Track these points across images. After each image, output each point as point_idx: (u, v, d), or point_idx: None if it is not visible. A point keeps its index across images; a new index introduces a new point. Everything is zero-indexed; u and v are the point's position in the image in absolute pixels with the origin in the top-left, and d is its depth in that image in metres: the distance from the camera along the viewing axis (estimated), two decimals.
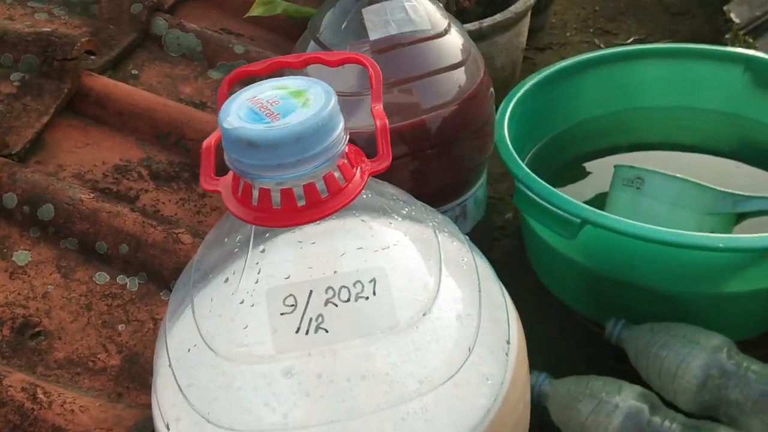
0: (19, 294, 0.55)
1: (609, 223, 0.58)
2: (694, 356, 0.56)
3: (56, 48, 0.68)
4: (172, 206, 0.63)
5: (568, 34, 1.21)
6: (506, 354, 0.36)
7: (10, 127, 0.64)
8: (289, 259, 0.34)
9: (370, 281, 0.33)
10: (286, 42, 0.86)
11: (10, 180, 0.59)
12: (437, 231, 0.38)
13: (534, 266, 0.74)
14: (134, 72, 0.77)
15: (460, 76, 0.57)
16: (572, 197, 0.62)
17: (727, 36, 1.04)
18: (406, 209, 0.38)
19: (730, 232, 0.67)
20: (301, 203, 0.32)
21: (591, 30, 1.21)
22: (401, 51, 0.55)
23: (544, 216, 0.62)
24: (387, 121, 0.36)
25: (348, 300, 0.33)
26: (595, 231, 0.60)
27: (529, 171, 0.65)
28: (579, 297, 0.70)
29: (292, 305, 0.33)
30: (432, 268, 0.36)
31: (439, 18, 0.57)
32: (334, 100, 0.32)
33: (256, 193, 0.32)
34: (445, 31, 0.56)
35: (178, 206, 0.63)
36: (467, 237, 0.41)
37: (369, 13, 0.54)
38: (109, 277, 0.57)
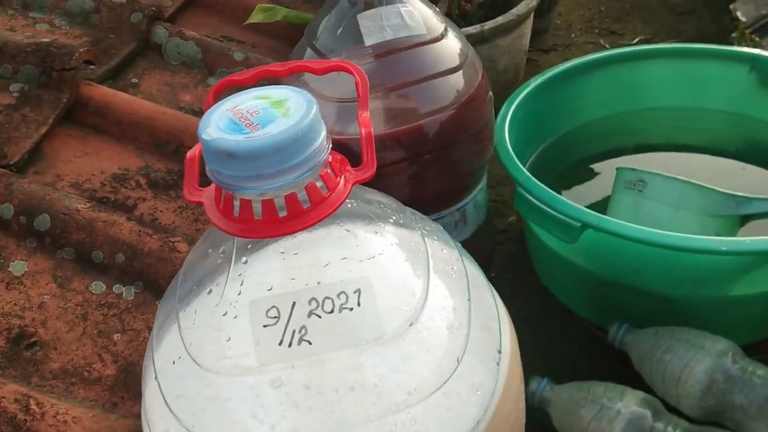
0: (15, 304, 0.55)
1: (609, 227, 0.58)
2: (699, 361, 0.56)
3: (55, 58, 0.68)
4: (170, 215, 0.63)
5: (573, 35, 1.20)
6: (497, 364, 0.36)
7: (9, 138, 0.64)
8: (272, 270, 0.33)
9: (355, 292, 0.33)
10: (288, 48, 0.86)
11: (6, 191, 0.59)
12: (426, 239, 0.37)
13: (537, 270, 0.73)
14: (134, 81, 0.77)
15: (457, 80, 0.56)
16: (577, 199, 0.61)
17: (733, 35, 1.03)
18: (394, 217, 0.38)
19: (734, 234, 0.66)
20: (283, 214, 0.32)
21: (596, 31, 1.20)
22: (398, 56, 0.54)
23: (544, 220, 0.62)
24: (372, 130, 0.35)
25: (332, 311, 0.32)
26: (597, 234, 0.59)
27: (529, 175, 0.64)
28: (582, 301, 0.69)
29: (275, 317, 0.32)
30: (420, 277, 0.35)
31: (435, 22, 0.56)
32: (315, 109, 0.32)
33: (237, 204, 0.32)
34: (442, 36, 0.56)
35: (176, 214, 0.63)
36: (459, 244, 0.40)
37: (364, 19, 0.54)
38: (105, 287, 0.56)
